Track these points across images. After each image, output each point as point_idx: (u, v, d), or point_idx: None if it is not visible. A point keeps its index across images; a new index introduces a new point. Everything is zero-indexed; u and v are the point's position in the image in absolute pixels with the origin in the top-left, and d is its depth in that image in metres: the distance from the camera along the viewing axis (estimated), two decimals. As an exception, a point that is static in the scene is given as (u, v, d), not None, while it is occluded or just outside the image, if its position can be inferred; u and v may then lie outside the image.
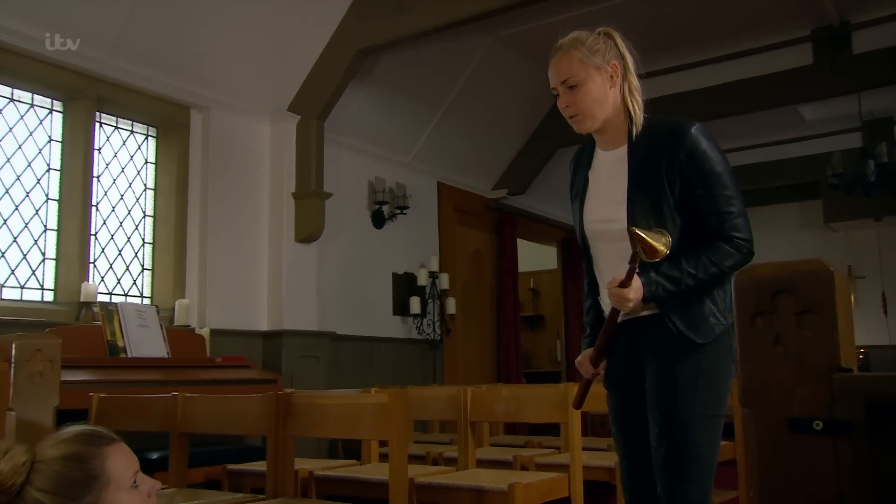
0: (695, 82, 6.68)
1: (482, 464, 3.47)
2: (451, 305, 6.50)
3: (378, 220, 6.15)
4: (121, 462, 1.45)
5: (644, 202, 1.79)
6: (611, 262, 1.86)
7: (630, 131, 1.85)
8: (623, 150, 1.86)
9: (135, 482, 1.46)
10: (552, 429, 4.73)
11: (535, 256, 9.27)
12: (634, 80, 1.86)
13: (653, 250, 1.63)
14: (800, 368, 0.70)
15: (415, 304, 6.19)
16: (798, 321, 0.71)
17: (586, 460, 3.30)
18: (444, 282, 6.47)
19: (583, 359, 1.92)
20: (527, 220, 7.84)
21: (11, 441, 1.64)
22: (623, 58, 1.86)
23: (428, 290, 6.38)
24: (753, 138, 8.62)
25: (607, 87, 1.83)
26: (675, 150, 1.77)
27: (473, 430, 3.39)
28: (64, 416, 1.95)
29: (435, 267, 6.45)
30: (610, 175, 1.88)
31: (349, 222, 5.85)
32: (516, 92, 6.69)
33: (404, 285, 6.30)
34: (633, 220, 1.78)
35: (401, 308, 6.24)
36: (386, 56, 5.47)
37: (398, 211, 6.22)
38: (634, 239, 1.64)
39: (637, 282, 1.71)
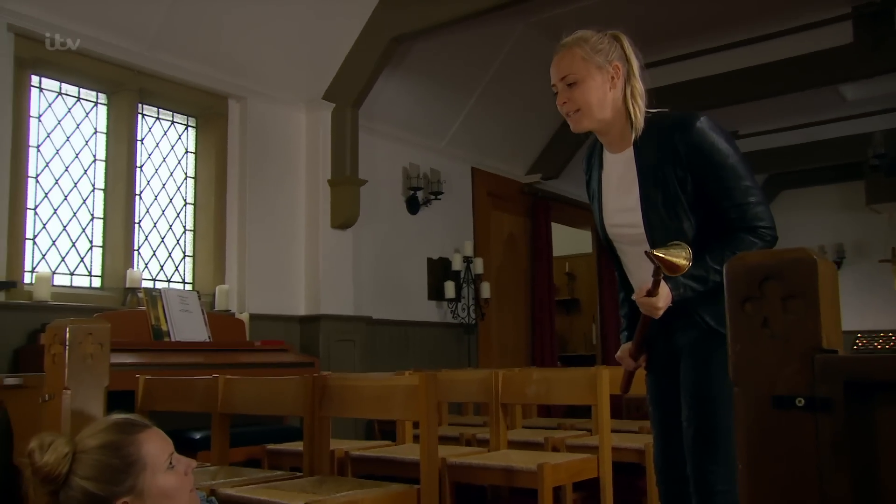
0: (733, 63, 6.60)
1: (514, 445, 3.54)
2: (486, 290, 6.56)
3: (413, 205, 6.23)
4: (155, 446, 1.55)
5: (657, 207, 1.79)
6: (637, 262, 1.88)
7: (636, 132, 1.84)
8: (630, 153, 1.85)
9: (170, 463, 1.56)
10: (587, 411, 4.78)
11: (571, 240, 9.27)
12: (638, 85, 1.83)
13: (673, 267, 1.63)
14: (785, 349, 0.75)
15: (449, 288, 6.27)
16: (784, 306, 0.76)
17: (617, 442, 3.35)
18: (478, 266, 6.53)
19: (623, 353, 1.96)
20: (561, 205, 7.84)
21: (60, 432, 1.76)
22: (628, 61, 1.84)
23: (462, 275, 6.45)
24: (793, 119, 8.48)
25: (607, 88, 1.82)
26: (681, 147, 1.76)
27: (505, 412, 3.46)
28: (113, 397, 2.07)
29: (469, 252, 6.51)
30: (621, 179, 1.88)
31: (384, 208, 5.94)
32: (549, 76, 6.67)
33: (439, 270, 6.38)
34: (649, 226, 1.80)
35: (436, 292, 6.32)
36: (419, 43, 5.52)
37: (432, 196, 6.29)
38: (654, 260, 1.63)
39: (664, 288, 1.71)
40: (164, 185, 4.73)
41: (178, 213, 4.81)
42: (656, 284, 1.69)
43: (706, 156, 1.76)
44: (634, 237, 1.85)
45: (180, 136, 4.88)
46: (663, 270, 1.65)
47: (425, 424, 2.27)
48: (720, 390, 1.78)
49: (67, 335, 1.78)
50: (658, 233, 1.80)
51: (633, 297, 1.80)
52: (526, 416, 4.87)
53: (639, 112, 1.82)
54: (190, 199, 4.88)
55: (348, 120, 5.31)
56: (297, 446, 3.35)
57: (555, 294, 7.88)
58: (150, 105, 4.67)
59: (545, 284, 7.41)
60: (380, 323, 5.71)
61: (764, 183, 10.91)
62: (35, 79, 4.10)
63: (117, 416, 1.59)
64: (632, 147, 1.85)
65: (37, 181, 4.09)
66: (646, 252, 1.66)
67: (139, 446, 1.53)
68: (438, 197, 6.31)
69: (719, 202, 1.77)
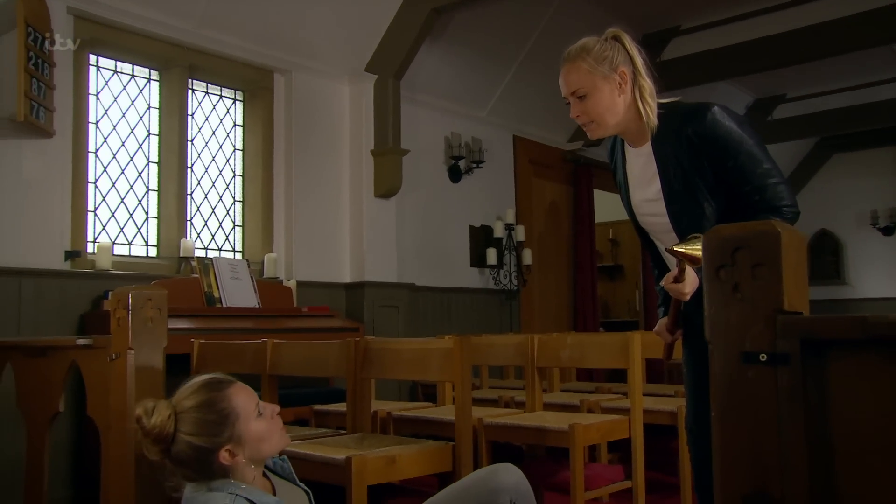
0: (783, 24, 6.47)
1: (551, 407, 3.66)
2: (528, 257, 6.65)
3: (455, 174, 6.32)
4: (243, 398, 1.74)
5: (679, 196, 1.88)
6: (668, 245, 1.97)
7: (650, 130, 1.90)
8: (648, 147, 1.93)
9: (258, 411, 1.75)
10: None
11: (615, 207, 9.18)
12: (646, 83, 1.89)
13: (695, 259, 1.69)
14: (752, 311, 0.85)
15: (491, 255, 6.37)
16: (752, 273, 0.86)
17: (651, 405, 3.45)
18: (520, 233, 6.61)
19: (660, 328, 2.06)
20: (603, 171, 7.83)
21: (126, 388, 1.95)
22: (632, 61, 1.89)
23: (504, 242, 6.55)
24: (845, 80, 8.29)
25: (616, 95, 1.88)
26: (695, 138, 1.83)
27: (543, 375, 3.58)
28: (170, 359, 2.24)
29: (511, 219, 6.59)
30: (643, 171, 1.96)
31: (426, 177, 6.05)
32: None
33: (481, 237, 6.49)
34: (673, 215, 1.89)
35: (478, 259, 6.44)
36: (459, 13, 5.56)
37: (474, 165, 6.37)
38: (676, 256, 1.71)
39: (691, 274, 1.80)
40: (213, 157, 4.92)
41: (228, 185, 5.00)
42: (682, 272, 1.79)
43: (721, 145, 1.83)
44: (662, 225, 1.95)
45: (228, 109, 5.05)
46: (686, 263, 1.74)
47: (459, 384, 2.40)
48: None
49: (130, 301, 1.96)
50: (682, 220, 1.88)
51: (662, 283, 1.90)
52: (566, 380, 5.00)
53: (650, 111, 1.88)
54: (239, 171, 5.06)
55: (390, 91, 5.41)
56: (343, 407, 3.53)
57: (597, 260, 7.92)
58: (199, 80, 4.84)
59: (587, 251, 7.46)
60: (423, 289, 5.86)
61: (815, 146, 10.69)
62: (93, 58, 4.30)
63: (205, 377, 1.79)
64: (650, 141, 1.92)
65: (96, 156, 4.31)
66: (666, 249, 1.76)
67: (230, 400, 1.72)
68: (480, 165, 6.39)
69: (740, 187, 1.84)
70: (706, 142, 1.83)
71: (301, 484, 1.90)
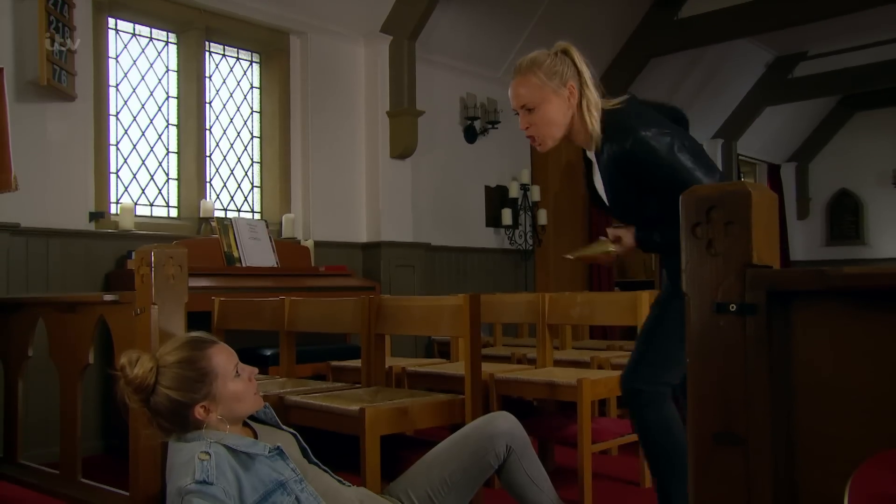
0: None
1: (562, 363, 3.75)
2: (543, 217, 6.70)
3: (470, 135, 6.35)
4: (223, 358, 1.83)
5: (620, 197, 2.05)
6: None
7: (594, 141, 2.03)
8: (595, 153, 2.08)
9: (237, 372, 1.84)
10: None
11: (631, 167, 9.21)
12: (592, 95, 1.98)
13: (585, 259, 2.20)
14: (724, 265, 0.92)
15: (506, 215, 6.43)
16: (725, 230, 0.92)
17: (659, 361, 3.52)
18: (535, 194, 6.65)
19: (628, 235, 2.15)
20: (620, 131, 7.81)
21: (149, 342, 2.05)
22: (580, 74, 1.98)
23: (519, 202, 6.59)
24: (868, 37, 8.16)
25: (565, 108, 1.98)
26: (626, 155, 1.94)
27: (554, 332, 3.66)
28: (191, 317, 2.35)
29: (526, 179, 6.63)
30: (596, 173, 2.13)
31: (442, 138, 6.09)
32: (607, 1, 6.60)
33: (496, 198, 6.54)
34: (618, 213, 2.10)
35: (493, 220, 6.50)
36: (474, -28, 5.54)
37: (490, 126, 6.39)
38: (582, 262, 1.99)
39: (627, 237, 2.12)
40: (231, 119, 5.00)
41: (246, 146, 5.08)
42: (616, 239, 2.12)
43: (651, 162, 1.93)
44: None
45: (245, 72, 5.11)
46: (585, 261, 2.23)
47: (468, 340, 2.49)
48: (669, 321, 2.07)
49: (153, 258, 2.06)
50: (627, 216, 2.09)
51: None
52: (580, 339, 5.09)
53: (594, 121, 1.98)
54: (256, 133, 5.14)
55: (405, 52, 5.43)
56: (358, 363, 3.63)
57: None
58: (216, 43, 4.89)
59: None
60: (438, 249, 5.95)
61: (837, 105, 10.54)
62: (111, 21, 4.36)
63: (189, 335, 1.88)
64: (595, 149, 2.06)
65: (117, 119, 4.40)
66: (565, 257, 2.23)
67: (210, 359, 1.81)
68: (495, 126, 6.41)
69: (673, 192, 1.94)
70: (636, 159, 1.94)
71: (286, 428, 1.99)
